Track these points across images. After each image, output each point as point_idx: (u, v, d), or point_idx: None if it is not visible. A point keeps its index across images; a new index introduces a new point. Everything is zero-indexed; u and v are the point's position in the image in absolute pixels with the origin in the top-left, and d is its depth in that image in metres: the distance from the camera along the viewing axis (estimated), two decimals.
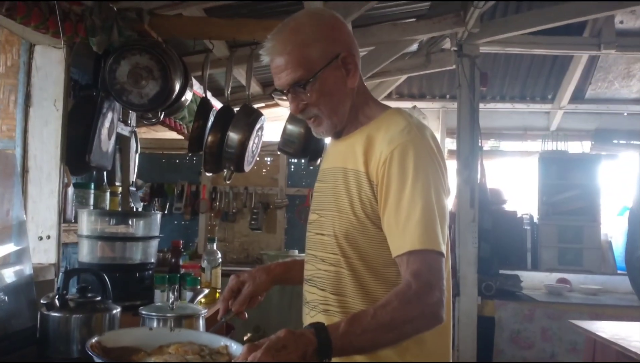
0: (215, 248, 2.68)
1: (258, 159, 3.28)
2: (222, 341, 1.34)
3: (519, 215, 5.44)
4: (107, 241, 2.30)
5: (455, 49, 4.35)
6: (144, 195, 4.91)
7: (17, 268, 1.77)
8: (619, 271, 5.32)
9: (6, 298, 1.66)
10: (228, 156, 2.91)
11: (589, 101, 5.99)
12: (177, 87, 2.50)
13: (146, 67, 2.39)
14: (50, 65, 2.31)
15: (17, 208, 1.84)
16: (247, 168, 3.05)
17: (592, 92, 5.90)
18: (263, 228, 5.50)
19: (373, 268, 1.28)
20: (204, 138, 2.99)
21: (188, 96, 2.72)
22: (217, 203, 5.53)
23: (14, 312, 1.67)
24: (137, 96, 2.41)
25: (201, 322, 1.73)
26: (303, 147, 3.17)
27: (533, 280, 4.80)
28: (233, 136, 2.89)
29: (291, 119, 3.17)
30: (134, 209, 3.39)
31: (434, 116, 6.22)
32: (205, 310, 1.78)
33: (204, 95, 3.09)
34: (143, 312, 1.67)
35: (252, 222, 5.47)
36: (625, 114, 6.15)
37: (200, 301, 2.23)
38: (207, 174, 3.21)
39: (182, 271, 2.63)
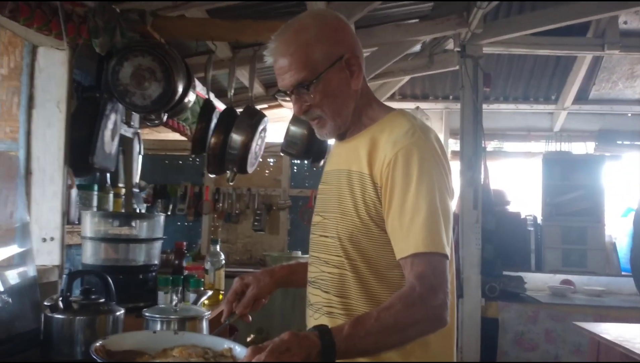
0: (218, 249, 2.68)
1: (261, 160, 3.28)
2: (225, 343, 1.34)
3: (522, 216, 5.43)
4: (111, 243, 2.30)
5: (459, 49, 4.34)
6: (147, 196, 4.92)
7: (21, 269, 1.77)
8: (623, 273, 5.31)
9: (10, 299, 1.66)
10: (231, 158, 2.91)
11: (593, 102, 5.97)
12: (180, 88, 2.50)
13: (149, 68, 2.40)
14: (53, 67, 2.31)
15: (21, 209, 1.84)
16: (250, 170, 3.05)
17: (596, 93, 5.89)
18: (266, 229, 5.49)
19: (377, 270, 1.28)
20: (207, 140, 2.99)
21: (191, 97, 2.72)
22: (220, 204, 5.53)
23: (17, 314, 1.67)
24: (140, 97, 2.41)
25: (205, 324, 1.73)
26: (306, 148, 3.17)
27: (537, 281, 4.78)
28: (236, 137, 2.90)
29: (294, 120, 3.17)
30: (137, 211, 3.39)
31: (437, 116, 6.21)
32: (209, 312, 1.78)
33: (207, 96, 3.09)
34: (147, 314, 1.67)
35: (255, 223, 5.47)
36: (629, 114, 6.13)
37: (204, 303, 2.23)
38: (210, 175, 3.21)
39: (186, 272, 2.63)
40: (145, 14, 2.48)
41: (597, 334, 2.88)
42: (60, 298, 1.59)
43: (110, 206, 2.88)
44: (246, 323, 1.51)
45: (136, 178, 3.50)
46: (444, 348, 1.32)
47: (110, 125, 2.66)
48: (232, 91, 3.10)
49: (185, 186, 5.54)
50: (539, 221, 5.46)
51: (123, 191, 3.16)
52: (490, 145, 6.33)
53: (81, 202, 2.62)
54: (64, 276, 2.26)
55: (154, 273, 2.32)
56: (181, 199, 5.52)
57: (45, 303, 1.62)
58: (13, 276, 1.72)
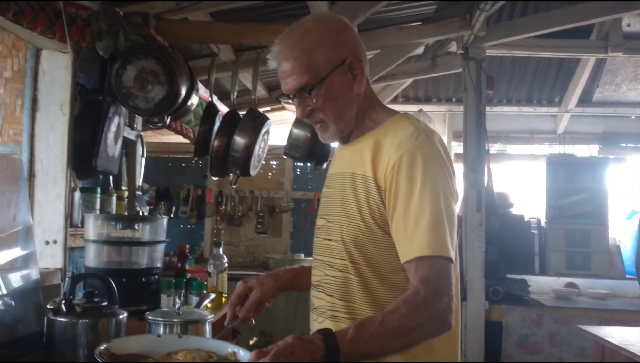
0: (221, 252, 2.67)
1: (264, 163, 3.28)
2: (229, 347, 1.34)
3: (526, 219, 5.41)
4: (114, 246, 2.29)
5: (462, 52, 4.34)
6: (150, 199, 4.92)
7: (24, 272, 1.77)
8: (627, 276, 5.28)
9: (13, 302, 1.65)
10: (234, 161, 2.91)
11: (597, 104, 5.96)
12: (183, 91, 2.50)
13: (152, 71, 2.39)
14: (56, 70, 2.31)
15: (24, 212, 1.84)
16: (253, 172, 3.04)
17: (600, 95, 5.87)
18: (269, 231, 5.49)
19: (381, 274, 1.28)
20: (210, 142, 2.99)
21: (194, 100, 2.72)
22: (223, 207, 5.52)
23: (20, 317, 1.67)
24: (143, 100, 2.41)
25: (207, 327, 1.72)
26: (309, 151, 3.16)
27: (541, 284, 4.76)
28: (239, 140, 2.89)
29: (297, 123, 3.16)
30: (140, 214, 3.39)
31: (440, 119, 6.20)
32: (212, 316, 1.78)
33: (210, 99, 3.09)
34: (149, 318, 1.66)
35: (258, 226, 5.46)
36: (633, 117, 6.11)
37: (207, 306, 2.22)
38: (213, 178, 3.21)
39: (188, 275, 2.63)
40: (148, 17, 2.48)
41: (602, 337, 2.87)
42: (63, 301, 1.59)
43: (113, 209, 2.88)
44: (249, 326, 1.50)
45: (139, 181, 3.50)
46: (448, 351, 1.32)
47: (113, 128, 2.67)
48: (235, 94, 3.10)
49: (188, 189, 5.54)
50: (543, 223, 5.45)
51: (126, 193, 3.16)
52: (494, 148, 6.33)
53: (84, 205, 2.62)
54: (67, 279, 2.27)
55: (156, 276, 2.32)
56: (184, 201, 5.51)
57: (48, 306, 1.61)
58: (16, 279, 1.72)
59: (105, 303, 1.68)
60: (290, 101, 1.36)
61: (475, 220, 4.21)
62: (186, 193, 5.53)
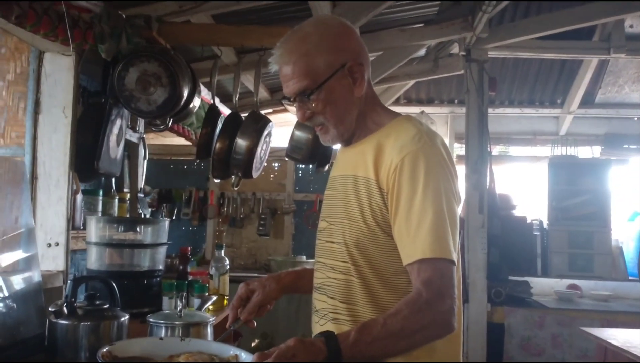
0: (223, 254, 2.67)
1: (266, 164, 3.28)
2: (231, 350, 1.33)
3: (528, 221, 5.41)
4: (116, 248, 2.29)
5: (464, 54, 4.34)
6: (152, 201, 4.92)
7: (26, 275, 1.77)
8: (630, 277, 5.27)
9: (15, 305, 1.65)
10: (236, 163, 2.91)
11: (599, 106, 5.95)
12: (186, 93, 2.50)
13: (154, 74, 2.40)
14: (59, 72, 2.32)
15: (26, 214, 1.85)
16: (255, 175, 3.04)
17: (602, 97, 5.87)
18: (271, 233, 5.49)
19: (383, 276, 1.27)
20: (212, 144, 2.99)
21: (196, 102, 2.72)
22: (225, 209, 5.53)
23: (22, 319, 1.67)
24: (145, 102, 2.41)
25: (209, 330, 1.72)
26: (311, 153, 3.16)
27: (543, 286, 4.76)
28: (241, 142, 2.89)
29: (299, 125, 3.17)
30: (142, 216, 3.39)
31: (442, 121, 6.20)
32: (214, 318, 1.77)
33: (212, 101, 3.10)
34: (151, 320, 1.66)
35: (260, 228, 5.47)
36: (636, 118, 6.11)
37: (208, 309, 2.22)
38: (215, 180, 3.21)
39: (190, 278, 2.63)
40: (151, 20, 2.49)
41: (604, 339, 2.86)
42: (65, 304, 1.59)
43: (115, 211, 2.88)
44: (251, 328, 1.50)
45: (141, 183, 3.50)
46: (450, 353, 1.32)
47: (115, 130, 2.67)
48: (237, 96, 3.10)
49: (190, 191, 5.55)
50: (545, 225, 5.44)
51: (128, 196, 3.16)
52: (496, 149, 6.32)
53: (86, 207, 2.62)
54: (69, 281, 2.25)
55: (158, 279, 2.32)
56: (186, 203, 5.52)
57: (50, 309, 1.61)
58: (18, 282, 1.72)
59: (107, 306, 1.67)
60: (292, 104, 1.36)
61: (478, 222, 4.21)
62: (188, 195, 5.54)
